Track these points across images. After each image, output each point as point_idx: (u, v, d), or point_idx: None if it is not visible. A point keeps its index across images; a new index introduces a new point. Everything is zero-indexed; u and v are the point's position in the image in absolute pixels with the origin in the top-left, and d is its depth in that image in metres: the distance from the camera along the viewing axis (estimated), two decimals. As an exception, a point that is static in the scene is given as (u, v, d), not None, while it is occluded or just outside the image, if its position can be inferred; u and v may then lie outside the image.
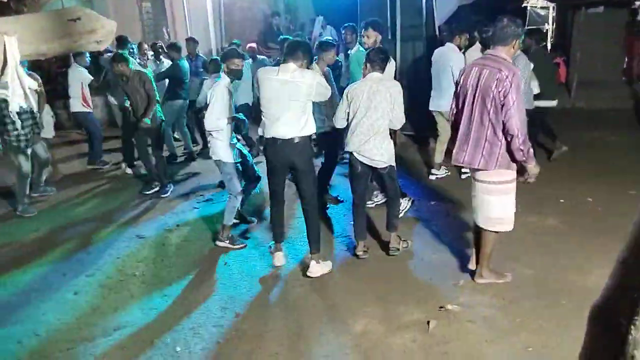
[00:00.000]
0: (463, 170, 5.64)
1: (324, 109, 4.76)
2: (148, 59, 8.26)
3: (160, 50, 8.07)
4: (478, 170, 3.40)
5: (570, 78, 9.95)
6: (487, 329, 3.16)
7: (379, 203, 5.14)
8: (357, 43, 5.61)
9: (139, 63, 7.15)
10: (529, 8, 10.97)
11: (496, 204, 3.40)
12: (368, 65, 3.95)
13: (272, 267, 4.12)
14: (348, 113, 3.97)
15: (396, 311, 3.40)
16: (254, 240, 4.66)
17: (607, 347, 1.21)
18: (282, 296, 3.74)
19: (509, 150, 3.25)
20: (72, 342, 3.27)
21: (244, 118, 4.53)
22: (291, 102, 3.65)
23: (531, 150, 3.26)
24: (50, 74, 9.41)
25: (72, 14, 2.38)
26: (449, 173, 6.10)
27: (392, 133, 4.07)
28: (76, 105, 7.05)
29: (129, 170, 7.01)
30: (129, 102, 5.98)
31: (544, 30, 10.76)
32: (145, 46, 8.56)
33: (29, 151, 5.52)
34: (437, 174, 6.10)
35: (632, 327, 1.12)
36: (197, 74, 7.54)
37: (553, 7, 11.08)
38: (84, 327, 3.43)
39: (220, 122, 4.22)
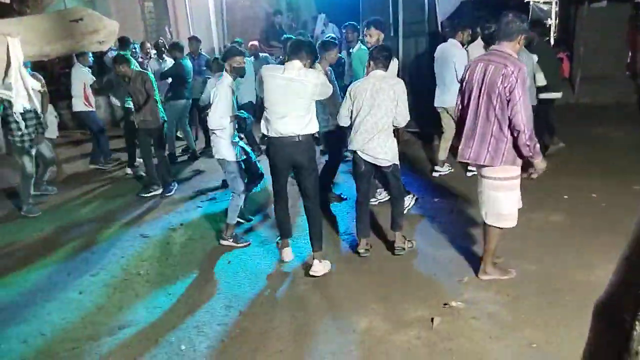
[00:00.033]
0: (469, 167, 5.63)
1: (328, 108, 4.76)
2: (151, 57, 8.27)
3: (163, 48, 8.09)
4: (484, 166, 3.40)
5: (573, 73, 9.88)
6: (491, 326, 3.16)
7: (382, 201, 5.14)
8: (359, 41, 5.60)
9: (139, 63, 7.16)
10: (531, 3, 10.92)
11: (504, 200, 3.40)
12: (371, 62, 3.94)
13: (280, 262, 4.14)
14: (351, 111, 3.96)
15: (400, 308, 3.40)
16: (258, 239, 4.67)
17: (611, 343, 1.21)
18: (286, 294, 3.75)
19: (516, 146, 3.24)
20: (77, 341, 3.29)
21: (247, 116, 4.53)
22: (297, 100, 3.64)
23: (537, 145, 3.25)
24: (54, 74, 9.46)
25: (74, 14, 2.37)
26: (452, 170, 6.09)
27: (395, 131, 4.06)
28: (78, 104, 7.09)
29: (129, 171, 7.02)
30: (132, 103, 6.00)
31: (547, 25, 10.71)
32: (148, 45, 8.58)
33: (33, 152, 5.54)
34: (440, 171, 6.08)
35: (636, 323, 1.12)
36: (200, 73, 7.58)
37: (556, 2, 11.02)
38: (89, 326, 3.45)
39: (224, 120, 4.23)
